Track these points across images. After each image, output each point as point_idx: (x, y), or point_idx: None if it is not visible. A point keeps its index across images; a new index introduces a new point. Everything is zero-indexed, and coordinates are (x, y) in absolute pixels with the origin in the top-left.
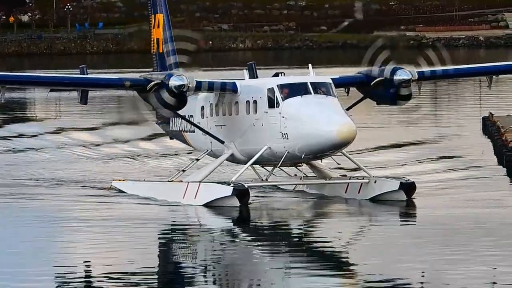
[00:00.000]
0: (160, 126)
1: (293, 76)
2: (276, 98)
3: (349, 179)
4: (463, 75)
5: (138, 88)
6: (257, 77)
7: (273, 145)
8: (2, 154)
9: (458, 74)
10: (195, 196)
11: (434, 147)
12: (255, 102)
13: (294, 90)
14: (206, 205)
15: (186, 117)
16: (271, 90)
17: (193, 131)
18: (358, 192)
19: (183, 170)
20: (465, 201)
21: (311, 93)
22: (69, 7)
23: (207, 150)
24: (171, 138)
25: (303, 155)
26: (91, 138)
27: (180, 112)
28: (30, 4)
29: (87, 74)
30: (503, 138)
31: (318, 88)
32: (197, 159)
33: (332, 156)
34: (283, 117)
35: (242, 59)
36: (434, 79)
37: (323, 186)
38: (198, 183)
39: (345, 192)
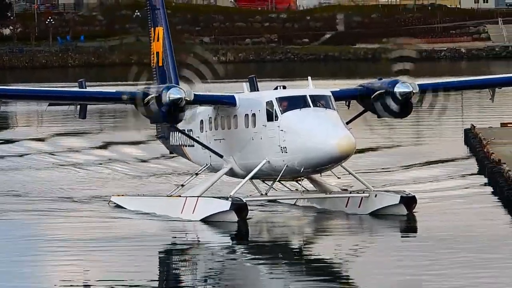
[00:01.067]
0: (160, 141)
1: (292, 89)
2: (275, 111)
3: (350, 193)
4: (465, 88)
5: (136, 102)
6: (257, 90)
7: (272, 159)
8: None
9: (461, 87)
10: (193, 211)
11: (413, 153)
12: (253, 115)
13: (293, 103)
14: (204, 220)
15: (186, 131)
16: (269, 103)
17: (193, 146)
18: (359, 207)
19: (182, 185)
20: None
21: (310, 106)
22: (51, 20)
23: (207, 165)
24: (171, 153)
25: (302, 169)
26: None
27: (179, 126)
28: (12, 18)
29: (85, 87)
30: (485, 150)
31: (318, 101)
32: (196, 174)
33: (331, 170)
34: (282, 130)
35: (224, 72)
36: (436, 92)
37: (324, 200)
38: (196, 197)
39: (346, 206)
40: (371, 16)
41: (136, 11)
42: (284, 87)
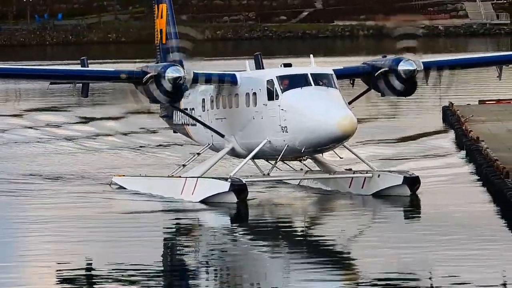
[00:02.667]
0: (164, 120)
1: (293, 68)
2: (276, 90)
3: (353, 173)
4: (470, 65)
5: (135, 81)
6: (263, 68)
7: (272, 138)
8: None
9: (466, 64)
10: (193, 192)
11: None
12: (254, 94)
13: (294, 81)
14: (203, 201)
15: (188, 110)
16: (270, 82)
17: (195, 125)
18: (362, 187)
19: (184, 165)
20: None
21: (311, 85)
22: None
23: (209, 144)
24: (174, 132)
25: (303, 149)
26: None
27: (183, 105)
28: None
29: (87, 66)
30: (463, 127)
31: (319, 79)
32: (198, 154)
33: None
34: (282, 109)
35: (202, 49)
36: (441, 70)
37: (327, 180)
38: (196, 178)
39: (349, 187)
40: None
41: None
42: (290, 65)
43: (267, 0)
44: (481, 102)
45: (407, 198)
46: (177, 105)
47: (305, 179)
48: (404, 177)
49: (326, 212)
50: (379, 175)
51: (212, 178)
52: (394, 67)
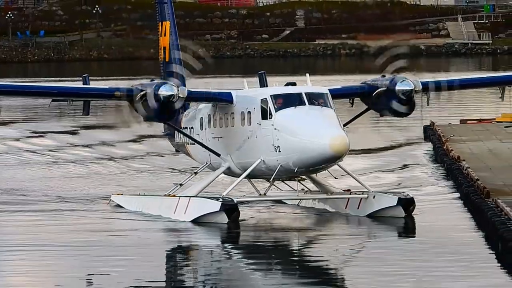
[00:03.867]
0: (167, 138)
1: (288, 87)
2: (269, 109)
3: (350, 194)
4: (472, 86)
5: (129, 99)
6: (267, 87)
7: (266, 158)
8: None
9: (467, 85)
10: (185, 212)
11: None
12: (249, 113)
13: (288, 100)
14: (195, 221)
15: (188, 128)
16: (264, 101)
17: (194, 143)
18: (358, 208)
19: (181, 184)
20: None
21: (305, 104)
22: (10, 15)
23: (207, 163)
24: (176, 151)
25: (296, 169)
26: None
27: (184, 123)
28: None
29: (89, 83)
30: (444, 147)
31: (314, 98)
32: (195, 173)
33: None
34: (275, 129)
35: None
36: (440, 90)
37: (325, 201)
38: (189, 198)
39: (346, 208)
40: (331, 12)
41: (97, 6)
42: (294, 84)
43: (249, 19)
44: (463, 121)
45: (400, 220)
46: (173, 123)
47: (300, 199)
48: (398, 198)
49: (320, 233)
50: (374, 196)
51: (204, 197)
52: (391, 87)
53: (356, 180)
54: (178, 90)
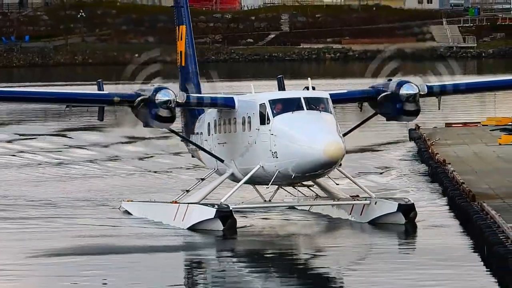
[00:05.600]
0: (184, 144)
1: (287, 91)
2: (267, 114)
3: (354, 199)
4: (478, 90)
5: (129, 104)
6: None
7: (265, 164)
8: None
9: (474, 89)
10: (183, 219)
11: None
12: (249, 118)
13: (286, 105)
14: (191, 228)
15: (199, 134)
16: (262, 106)
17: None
18: (361, 214)
19: (187, 190)
20: None
21: (303, 109)
22: None
23: (215, 169)
24: (192, 156)
25: (293, 175)
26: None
27: (196, 129)
28: None
29: (103, 89)
30: (429, 150)
31: (313, 103)
32: (202, 179)
33: (329, 176)
34: (272, 134)
35: (170, 71)
36: (446, 94)
37: (331, 207)
38: (187, 204)
39: (350, 214)
40: (316, 16)
41: (81, 11)
42: (314, 88)
43: (234, 23)
44: (448, 124)
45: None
46: (185, 128)
47: (301, 205)
48: (398, 204)
49: (322, 240)
50: (376, 202)
51: (201, 204)
52: (396, 91)
53: (359, 186)
54: (175, 96)
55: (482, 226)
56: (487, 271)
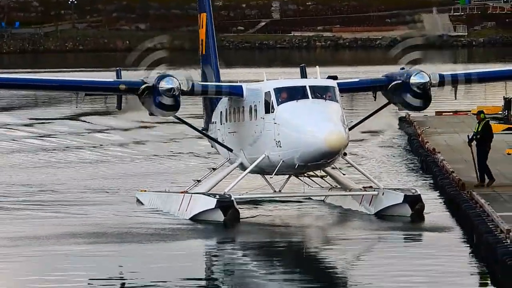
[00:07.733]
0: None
1: (292, 79)
2: (272, 102)
3: (364, 190)
4: (490, 79)
5: (135, 92)
6: None
7: (270, 153)
8: None
9: (485, 78)
10: (186, 209)
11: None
12: (255, 107)
13: (292, 94)
14: (193, 218)
15: (214, 123)
16: (267, 94)
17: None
18: (369, 204)
19: (198, 181)
20: None
21: (308, 98)
22: None
23: (227, 159)
24: (212, 146)
25: (297, 165)
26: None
27: (213, 118)
28: None
29: (121, 77)
30: (420, 139)
31: (318, 92)
32: (213, 169)
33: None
34: (276, 123)
35: (159, 59)
36: (457, 84)
37: (343, 197)
38: (191, 195)
39: (360, 205)
40: (306, 4)
41: None
42: (336, 77)
43: (225, 10)
44: (438, 113)
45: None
46: (208, 115)
47: (307, 196)
48: (404, 195)
49: (329, 232)
50: (383, 193)
51: (203, 194)
52: (407, 80)
53: (367, 177)
54: (179, 83)
55: (471, 214)
56: (476, 259)
